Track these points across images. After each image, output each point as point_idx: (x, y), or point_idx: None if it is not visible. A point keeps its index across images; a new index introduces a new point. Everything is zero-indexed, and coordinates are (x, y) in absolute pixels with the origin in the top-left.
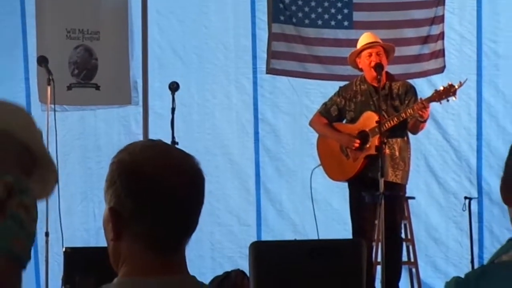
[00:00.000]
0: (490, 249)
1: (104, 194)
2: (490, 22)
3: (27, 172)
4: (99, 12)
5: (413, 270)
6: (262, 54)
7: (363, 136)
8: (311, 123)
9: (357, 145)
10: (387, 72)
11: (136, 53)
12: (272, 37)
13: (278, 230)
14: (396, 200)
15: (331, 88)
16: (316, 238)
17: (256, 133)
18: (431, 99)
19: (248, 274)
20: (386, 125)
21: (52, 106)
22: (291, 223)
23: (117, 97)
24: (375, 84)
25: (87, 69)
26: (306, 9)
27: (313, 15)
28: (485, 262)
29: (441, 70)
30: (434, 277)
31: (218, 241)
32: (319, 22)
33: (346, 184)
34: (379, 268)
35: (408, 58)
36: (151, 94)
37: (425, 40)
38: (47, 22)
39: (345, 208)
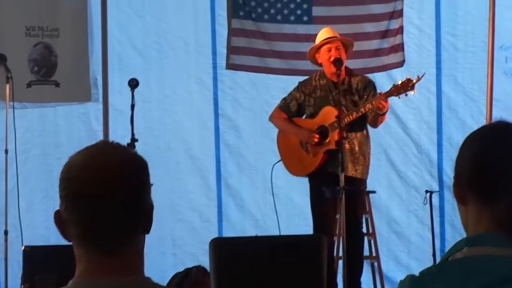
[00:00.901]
0: (452, 242)
1: None
2: (449, 16)
3: None
4: (58, 9)
5: (375, 264)
6: (222, 50)
7: (323, 131)
8: (270, 118)
9: (316, 140)
10: (346, 67)
11: (95, 49)
12: (231, 32)
13: (240, 226)
14: (357, 195)
15: (291, 83)
16: (277, 233)
17: (217, 128)
18: (389, 93)
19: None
20: (346, 119)
21: (11, 103)
22: (253, 218)
23: (77, 94)
24: (334, 79)
25: (47, 67)
26: (266, 4)
27: (272, 10)
28: None
29: (400, 64)
30: (396, 271)
31: (179, 238)
32: (279, 17)
33: (307, 179)
34: (340, 263)
35: (367, 52)
36: (111, 91)
37: (384, 34)
38: (5, 20)
39: (306, 203)
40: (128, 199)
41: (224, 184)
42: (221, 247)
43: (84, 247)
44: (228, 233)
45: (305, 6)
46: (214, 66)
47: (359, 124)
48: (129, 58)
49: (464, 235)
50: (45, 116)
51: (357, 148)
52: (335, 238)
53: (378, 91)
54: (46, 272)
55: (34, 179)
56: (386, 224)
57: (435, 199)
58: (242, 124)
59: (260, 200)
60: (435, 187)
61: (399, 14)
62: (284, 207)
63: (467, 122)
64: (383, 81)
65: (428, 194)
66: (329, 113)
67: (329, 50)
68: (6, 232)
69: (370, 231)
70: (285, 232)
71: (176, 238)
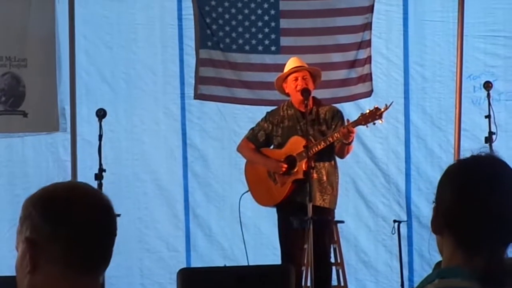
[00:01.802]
0: (420, 272)
1: (17, 236)
2: (417, 46)
3: None
4: (26, 39)
5: None
6: (190, 80)
7: (291, 161)
8: (238, 149)
9: (284, 169)
10: (313, 97)
11: (63, 79)
12: (199, 62)
13: (208, 256)
14: (325, 225)
15: (259, 112)
16: (245, 263)
17: (185, 158)
18: (357, 122)
19: None
20: (314, 149)
21: None
22: (221, 248)
23: (45, 124)
24: (302, 109)
25: (15, 96)
26: (234, 34)
27: (240, 41)
28: (415, 285)
29: (369, 94)
30: None
31: (147, 268)
32: (247, 47)
33: (275, 209)
34: None
35: (335, 82)
36: (79, 121)
37: (353, 64)
38: None
39: (274, 233)
40: (114, 231)
41: (192, 214)
42: (189, 277)
43: (60, 265)
44: (196, 263)
45: (273, 36)
46: (182, 96)
47: (327, 154)
48: (97, 88)
49: (432, 264)
50: (13, 146)
51: (325, 177)
52: (303, 268)
53: (346, 120)
54: None
55: (0, 209)
56: (354, 253)
57: (403, 228)
58: (210, 154)
59: (228, 230)
60: (403, 216)
61: (367, 44)
62: (252, 237)
63: (435, 152)
64: (351, 111)
65: (396, 224)
66: (296, 143)
67: (296, 79)
68: None
69: (339, 260)
70: (253, 262)
71: (144, 268)
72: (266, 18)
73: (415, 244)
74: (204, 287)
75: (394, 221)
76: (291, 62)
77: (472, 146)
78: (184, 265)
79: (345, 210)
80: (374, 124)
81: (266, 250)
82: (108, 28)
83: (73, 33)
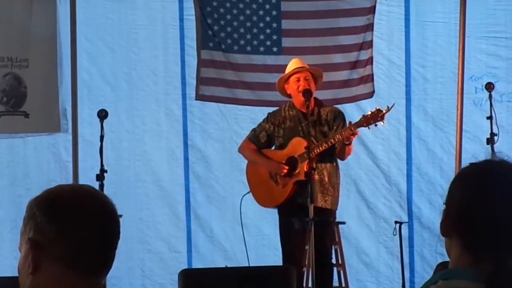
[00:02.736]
0: (421, 273)
1: (20, 237)
2: (418, 47)
3: None
4: (28, 40)
5: None
6: (191, 81)
7: (292, 162)
8: (240, 150)
9: (285, 171)
10: (315, 98)
11: (65, 80)
12: (201, 63)
13: (209, 257)
14: (326, 226)
15: (260, 113)
16: (246, 264)
17: (186, 159)
18: (358, 124)
19: None
20: (315, 150)
21: None
22: (222, 249)
23: (47, 124)
24: (304, 110)
25: (16, 97)
26: (235, 35)
27: (242, 42)
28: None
29: (370, 95)
30: None
31: (149, 268)
32: (248, 48)
33: (276, 210)
34: None
35: (337, 83)
36: (80, 121)
37: (354, 65)
38: None
39: (275, 234)
40: (118, 234)
41: (193, 214)
42: (190, 278)
43: (62, 265)
44: (197, 263)
45: (274, 37)
46: (184, 97)
47: (329, 155)
48: (99, 89)
49: (434, 265)
50: (14, 147)
51: (326, 179)
52: (304, 269)
53: (348, 121)
54: None
55: (2, 209)
56: (356, 255)
57: (404, 229)
58: (211, 155)
59: (229, 231)
60: (404, 217)
61: (368, 45)
62: (254, 238)
63: (437, 153)
64: (352, 112)
65: (397, 225)
66: (298, 144)
67: (298, 80)
68: None
69: (340, 261)
70: (254, 263)
71: (145, 269)
72: (268, 19)
73: (416, 245)
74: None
75: (395, 222)
76: (293, 63)
77: (473, 148)
78: (185, 266)
79: (346, 211)
80: (375, 125)
81: (267, 251)
82: (110, 29)
83: (74, 34)
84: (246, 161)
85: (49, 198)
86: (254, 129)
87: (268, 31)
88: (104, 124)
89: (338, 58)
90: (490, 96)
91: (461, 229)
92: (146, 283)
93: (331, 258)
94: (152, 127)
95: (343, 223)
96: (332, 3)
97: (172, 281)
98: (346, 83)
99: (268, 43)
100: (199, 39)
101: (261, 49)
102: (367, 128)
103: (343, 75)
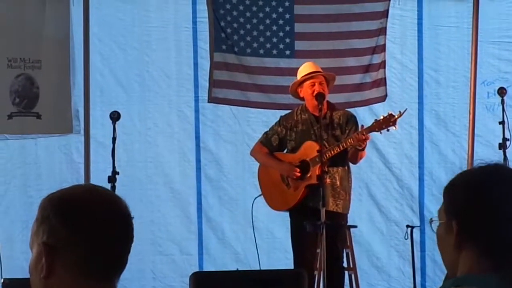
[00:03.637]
0: (433, 277)
1: (32, 237)
2: (431, 51)
3: None
4: (40, 41)
5: None
6: (204, 83)
7: (304, 166)
8: (252, 153)
9: (298, 174)
10: (328, 101)
11: (77, 81)
12: (214, 66)
13: (220, 259)
14: (338, 229)
15: (272, 116)
16: (258, 267)
17: (198, 161)
18: (371, 129)
19: None
20: (327, 154)
21: None
22: (233, 252)
23: (59, 126)
24: (316, 114)
25: (28, 98)
26: (248, 38)
27: (255, 44)
28: None
29: (383, 99)
30: None
31: (159, 271)
32: (261, 51)
33: (287, 213)
34: None
35: (349, 86)
36: (92, 123)
37: (367, 69)
38: None
39: (287, 237)
40: (131, 237)
41: (205, 217)
42: (201, 281)
43: (75, 272)
44: (208, 266)
45: (287, 40)
46: (196, 99)
47: (341, 159)
48: (111, 90)
49: (444, 270)
50: (26, 148)
51: (338, 182)
52: (316, 273)
53: (360, 125)
54: None
55: (14, 210)
56: (367, 258)
57: (416, 234)
58: (223, 157)
59: (240, 234)
60: (416, 221)
61: (381, 49)
62: (265, 241)
63: (449, 157)
64: (365, 115)
65: (409, 229)
66: (310, 148)
67: (313, 85)
68: None
69: (351, 265)
70: (265, 266)
71: (156, 271)
72: (281, 22)
73: (428, 249)
74: None
75: (407, 226)
76: (307, 67)
77: (485, 152)
78: (196, 269)
79: (358, 215)
80: (388, 130)
81: (279, 254)
82: (123, 30)
83: (87, 35)
84: (258, 164)
85: (63, 201)
86: (266, 133)
87: (281, 34)
88: (116, 125)
89: (351, 61)
90: (503, 101)
91: (479, 238)
92: (157, 285)
93: (343, 262)
94: (164, 129)
95: (355, 226)
96: (345, 7)
97: (183, 283)
98: (358, 87)
99: (281, 46)
100: (212, 42)
101: (274, 52)
102: (379, 132)
103: (356, 78)
